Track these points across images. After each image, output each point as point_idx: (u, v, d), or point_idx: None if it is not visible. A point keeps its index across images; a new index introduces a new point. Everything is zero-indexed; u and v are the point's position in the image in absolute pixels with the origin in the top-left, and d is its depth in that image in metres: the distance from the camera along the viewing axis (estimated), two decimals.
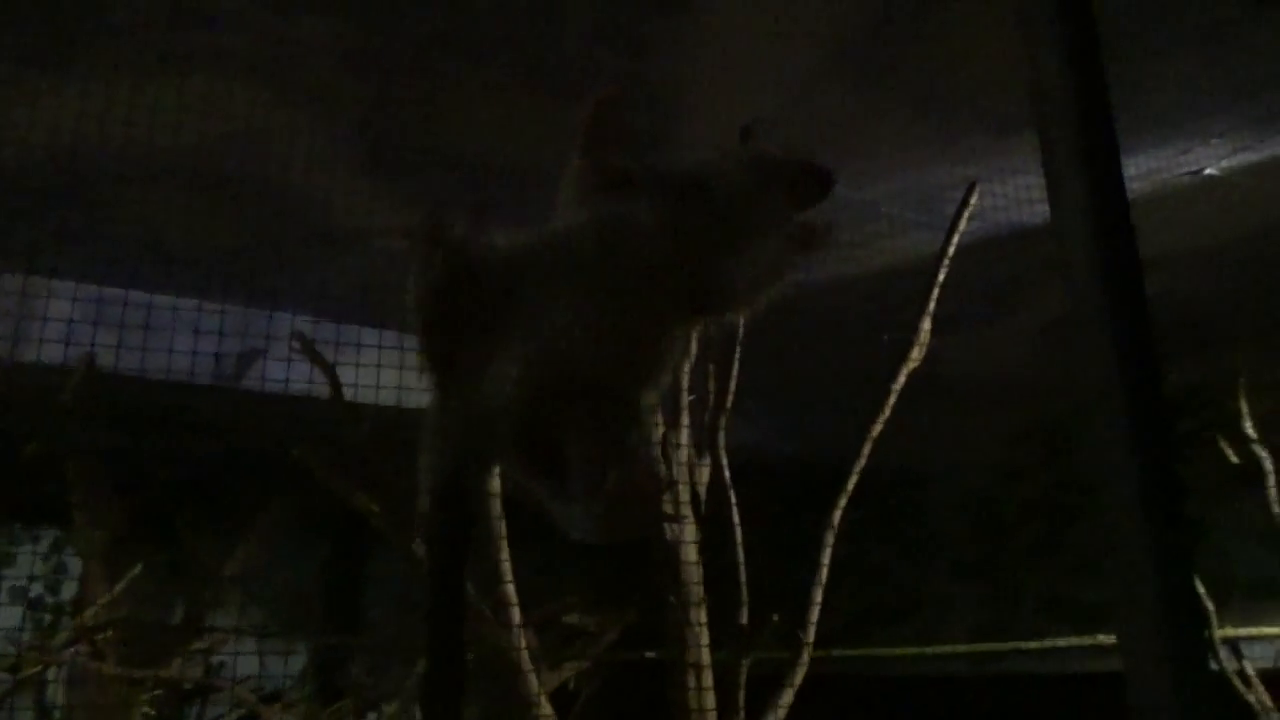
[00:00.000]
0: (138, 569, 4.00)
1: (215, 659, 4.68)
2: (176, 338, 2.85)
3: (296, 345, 2.55)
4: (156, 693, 3.81)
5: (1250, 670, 3.59)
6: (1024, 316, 4.51)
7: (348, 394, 2.50)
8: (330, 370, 2.48)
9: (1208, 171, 3.17)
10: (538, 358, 1.06)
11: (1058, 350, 4.91)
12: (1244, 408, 3.64)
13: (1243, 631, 3.96)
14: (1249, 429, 3.64)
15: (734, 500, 2.64)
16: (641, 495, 1.22)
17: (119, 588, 3.89)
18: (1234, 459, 3.66)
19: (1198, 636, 1.02)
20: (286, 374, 2.58)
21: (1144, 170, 3.06)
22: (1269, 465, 3.59)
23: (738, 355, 2.67)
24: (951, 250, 2.78)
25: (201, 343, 3.03)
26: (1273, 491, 3.57)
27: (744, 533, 2.65)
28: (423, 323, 1.14)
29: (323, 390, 2.52)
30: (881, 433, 2.78)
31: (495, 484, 2.50)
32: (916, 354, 2.77)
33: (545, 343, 1.07)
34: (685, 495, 2.55)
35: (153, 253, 3.45)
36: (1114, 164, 1.11)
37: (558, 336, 1.07)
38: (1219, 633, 3.68)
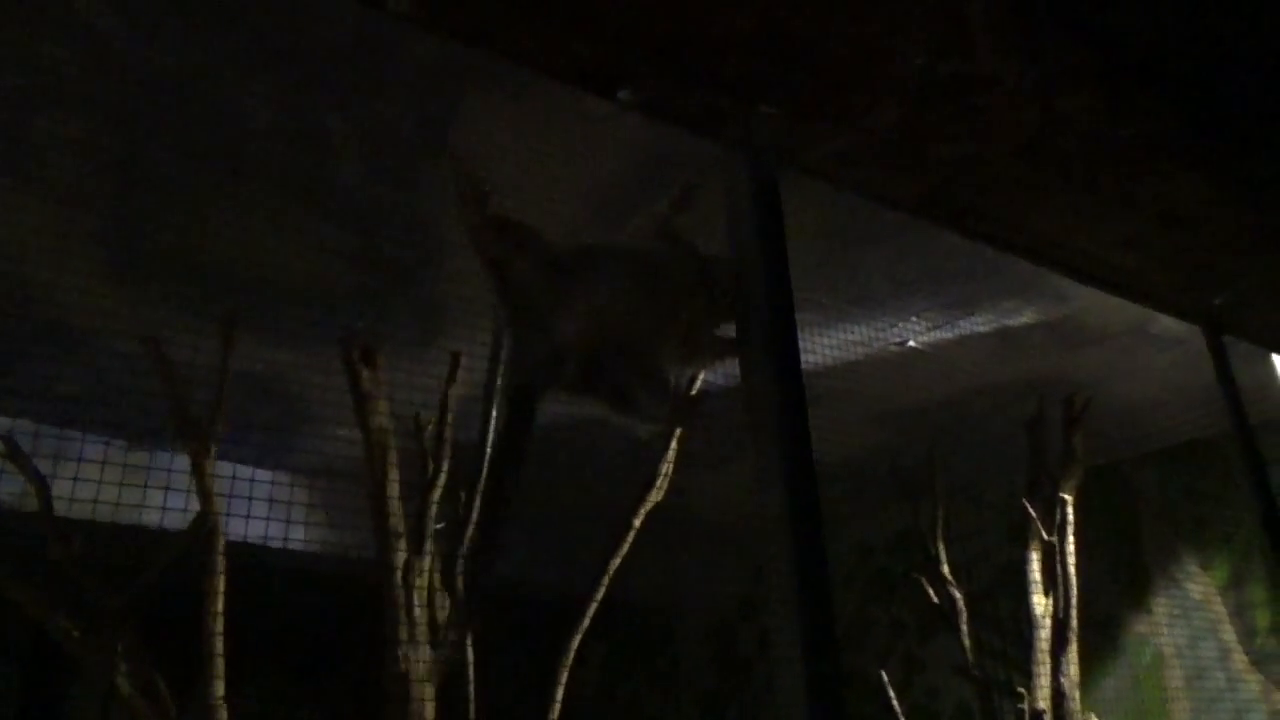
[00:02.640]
0: None
1: None
2: None
3: (2, 449, 2.35)
4: None
5: None
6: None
7: (61, 508, 2.32)
8: (38, 479, 2.30)
9: (911, 344, 3.64)
10: (594, 320, 1.65)
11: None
12: (942, 552, 4.08)
13: None
14: (946, 572, 4.07)
15: (470, 631, 2.63)
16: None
17: None
18: (935, 599, 4.06)
19: None
20: None
21: (860, 337, 3.46)
22: (962, 605, 4.01)
23: (481, 482, 2.72)
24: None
25: None
26: (965, 628, 3.98)
27: (491, 664, 2.64)
28: (500, 285, 1.71)
29: (32, 502, 2.32)
30: (633, 567, 2.90)
31: (218, 603, 2.39)
32: (656, 492, 2.94)
33: (598, 312, 1.65)
34: (424, 625, 2.52)
35: None
36: (792, 348, 1.31)
37: (606, 309, 1.65)
38: None
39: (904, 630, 5.66)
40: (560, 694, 2.63)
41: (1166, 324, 3.76)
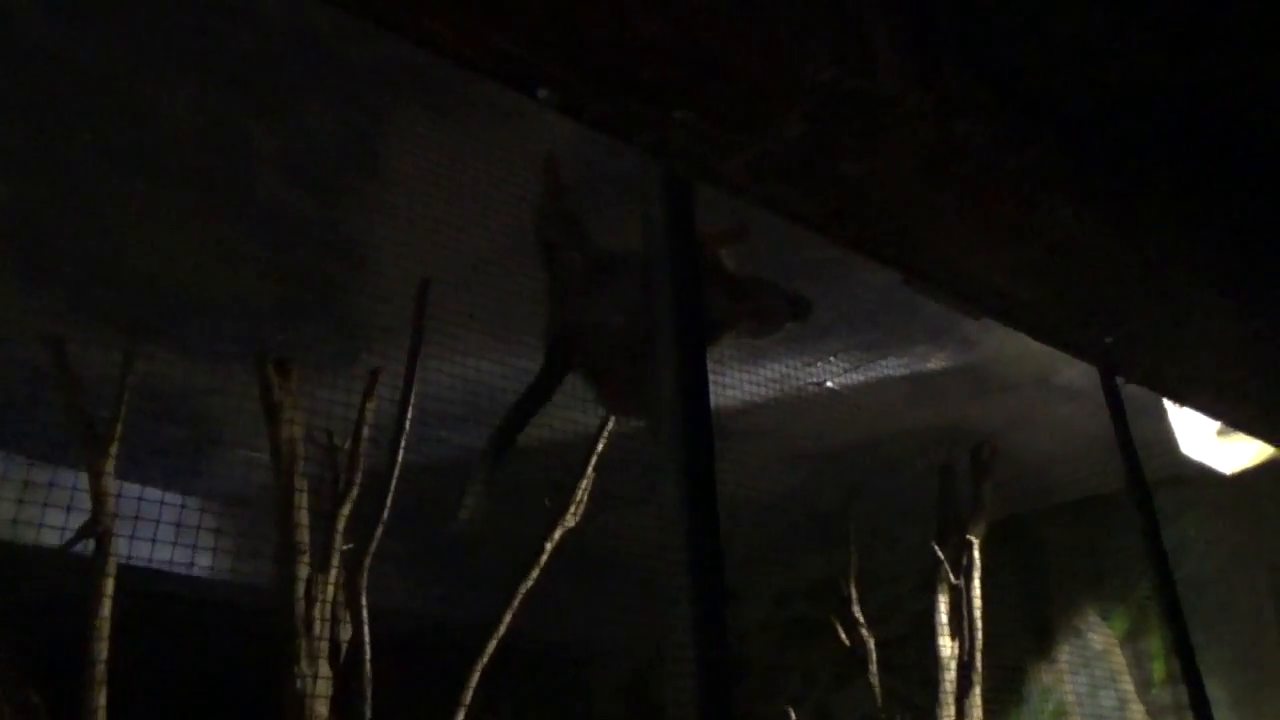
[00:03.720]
0: None
1: None
2: None
3: None
4: None
5: None
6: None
7: None
8: None
9: (828, 384, 3.71)
10: (609, 313, 2.02)
11: None
12: (854, 595, 4.12)
13: None
14: (858, 614, 4.11)
15: (369, 656, 2.56)
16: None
17: None
18: (847, 642, 4.09)
19: None
20: None
21: (776, 375, 3.52)
22: (872, 648, 4.05)
23: (386, 510, 2.67)
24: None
25: None
26: (875, 671, 4.01)
27: (388, 696, 2.57)
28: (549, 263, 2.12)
29: None
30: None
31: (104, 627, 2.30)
32: (570, 518, 2.93)
33: (613, 308, 2.01)
34: (324, 645, 2.45)
35: None
36: (699, 366, 1.33)
37: (620, 308, 1.99)
38: None
39: (817, 678, 5.67)
40: None
41: (1069, 376, 3.92)
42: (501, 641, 2.80)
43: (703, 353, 1.43)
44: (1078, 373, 4.04)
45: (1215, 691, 4.53)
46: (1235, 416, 2.87)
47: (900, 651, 4.95)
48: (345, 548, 2.76)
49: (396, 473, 2.54)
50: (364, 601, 2.56)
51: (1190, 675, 2.34)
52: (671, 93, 1.40)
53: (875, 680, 4.01)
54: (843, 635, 4.10)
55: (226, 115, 2.33)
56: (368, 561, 2.60)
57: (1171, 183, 2.10)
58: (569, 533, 2.95)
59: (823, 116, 1.45)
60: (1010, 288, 2.00)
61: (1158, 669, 4.64)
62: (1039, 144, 1.71)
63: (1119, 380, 2.43)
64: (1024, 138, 1.68)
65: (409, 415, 2.51)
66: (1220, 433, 3.60)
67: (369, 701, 2.48)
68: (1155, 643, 4.67)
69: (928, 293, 2.44)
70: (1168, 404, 3.64)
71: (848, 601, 4.11)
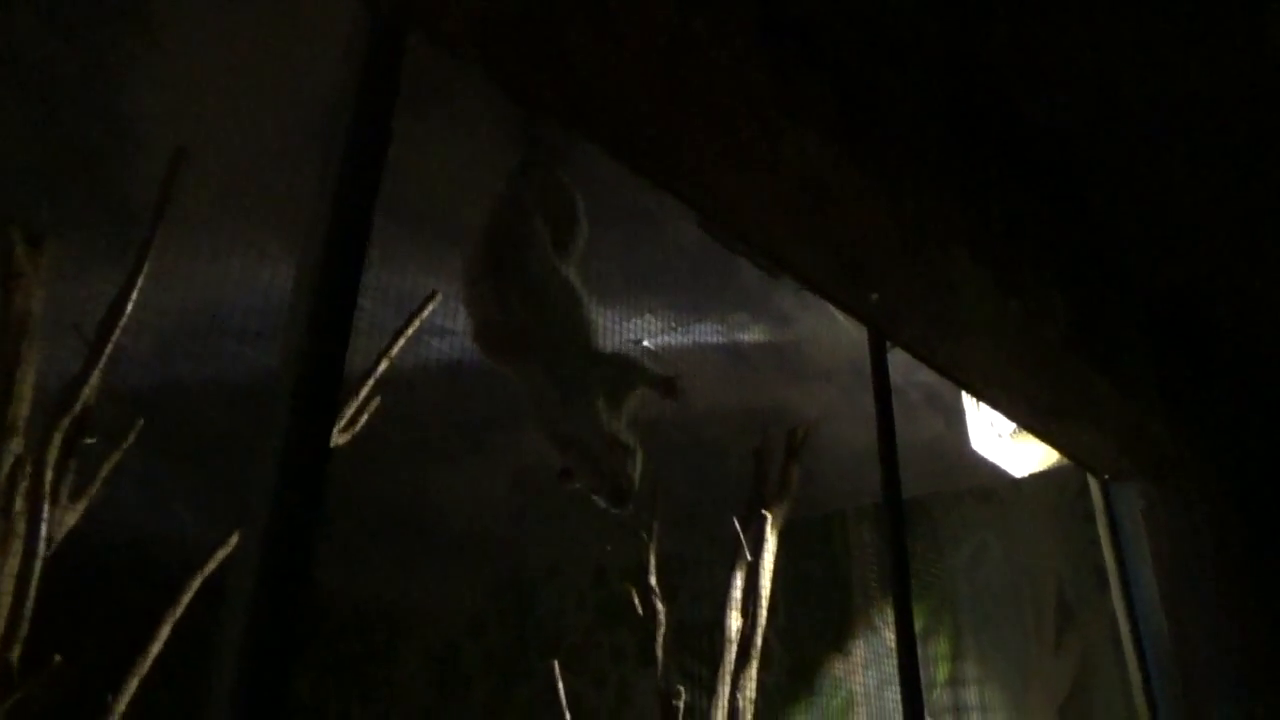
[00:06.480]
0: None
1: None
2: None
3: None
4: None
5: None
6: (499, 459, 4.76)
7: None
8: None
9: (645, 343, 3.67)
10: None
11: (527, 501, 5.22)
12: (652, 567, 4.10)
13: None
14: (654, 585, 4.09)
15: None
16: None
17: None
18: (640, 611, 4.06)
19: None
20: None
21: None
22: (663, 619, 4.03)
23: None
24: (394, 351, 2.91)
25: None
26: (660, 640, 3.99)
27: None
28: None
29: None
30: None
31: None
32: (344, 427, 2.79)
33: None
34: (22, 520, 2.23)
35: None
36: (353, 266, 1.24)
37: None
38: None
39: (624, 656, 5.64)
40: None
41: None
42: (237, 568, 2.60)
43: (365, 243, 1.32)
44: (894, 369, 4.12)
45: (993, 696, 4.68)
46: (1010, 410, 2.94)
47: (705, 634, 4.96)
48: (89, 441, 2.56)
49: (98, 370, 2.31)
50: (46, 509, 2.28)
51: (907, 671, 2.35)
52: None
53: (661, 652, 3.98)
54: (639, 609, 4.07)
55: None
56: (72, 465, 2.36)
57: (939, 148, 2.12)
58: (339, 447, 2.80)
59: None
60: (767, 225, 1.97)
61: (941, 671, 4.76)
62: (798, 76, 1.68)
63: (888, 346, 2.45)
64: (780, 64, 1.65)
65: (127, 309, 2.31)
66: (1016, 433, 3.70)
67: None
68: (942, 645, 4.79)
69: (720, 240, 2.41)
70: (966, 400, 3.72)
71: (646, 573, 4.08)
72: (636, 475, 2.49)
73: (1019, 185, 2.25)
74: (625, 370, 2.62)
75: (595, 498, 2.47)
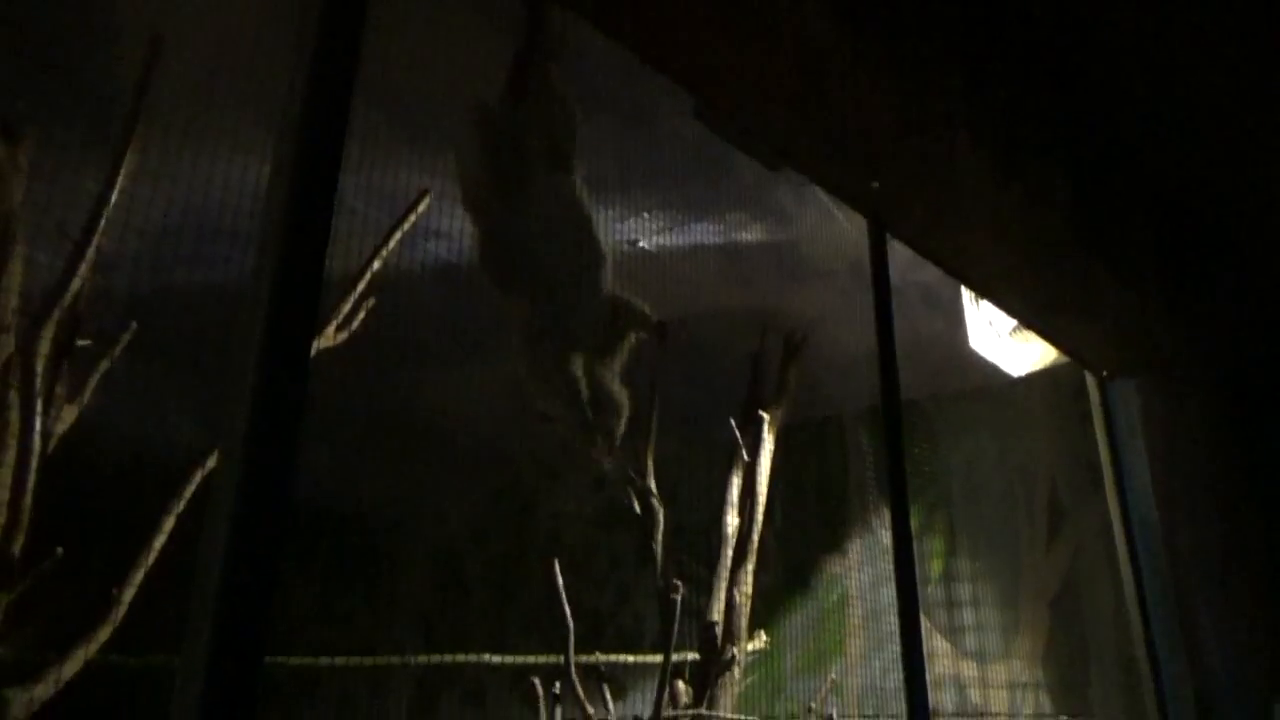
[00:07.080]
0: None
1: None
2: None
3: None
4: None
5: None
6: (497, 366, 4.74)
7: None
8: None
9: (641, 244, 3.62)
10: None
11: (521, 411, 5.23)
12: (649, 469, 4.13)
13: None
14: (651, 486, 4.13)
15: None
16: None
17: None
18: (638, 511, 4.10)
19: None
20: None
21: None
22: (660, 519, 4.08)
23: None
24: (387, 249, 2.87)
25: None
26: (659, 539, 4.05)
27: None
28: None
29: None
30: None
31: None
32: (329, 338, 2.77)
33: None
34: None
35: None
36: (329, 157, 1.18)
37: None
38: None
39: (623, 560, 5.74)
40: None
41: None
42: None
43: (343, 130, 1.26)
44: (893, 268, 4.07)
45: (986, 591, 4.78)
46: (1009, 305, 2.92)
47: (702, 536, 5.04)
48: (84, 344, 2.53)
49: (85, 270, 2.26)
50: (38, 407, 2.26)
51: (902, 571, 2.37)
52: None
53: (659, 551, 4.04)
54: (637, 509, 4.12)
55: None
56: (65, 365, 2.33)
57: (940, 22, 2.04)
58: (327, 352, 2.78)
59: None
60: (771, 113, 1.91)
61: (935, 566, 4.85)
62: None
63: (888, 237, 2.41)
64: None
65: (108, 205, 2.25)
66: (1015, 331, 3.68)
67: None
68: (937, 542, 4.87)
69: (719, 130, 2.34)
70: (966, 299, 3.69)
71: (643, 476, 4.12)
72: (620, 432, 2.51)
73: (1020, 62, 2.18)
74: (618, 312, 2.58)
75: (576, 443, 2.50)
